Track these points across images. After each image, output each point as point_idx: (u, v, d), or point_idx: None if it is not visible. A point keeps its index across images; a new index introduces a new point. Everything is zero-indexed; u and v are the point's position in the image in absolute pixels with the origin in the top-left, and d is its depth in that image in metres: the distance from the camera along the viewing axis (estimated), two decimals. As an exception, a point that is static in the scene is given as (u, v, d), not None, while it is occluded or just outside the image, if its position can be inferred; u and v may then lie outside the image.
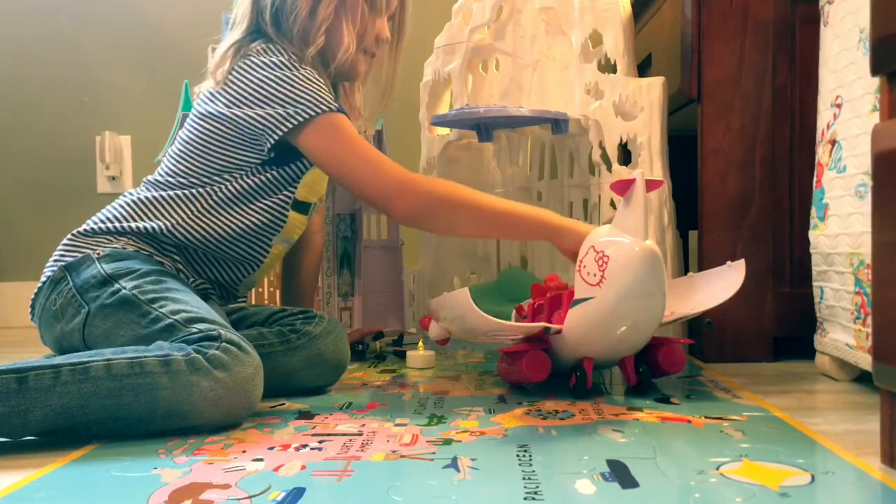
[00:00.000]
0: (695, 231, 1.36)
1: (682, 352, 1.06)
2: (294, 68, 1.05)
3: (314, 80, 1.06)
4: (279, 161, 1.09)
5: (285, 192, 1.12)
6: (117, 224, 1.07)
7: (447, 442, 0.80)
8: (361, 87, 1.26)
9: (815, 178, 1.16)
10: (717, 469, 0.70)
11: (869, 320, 0.99)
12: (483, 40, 1.62)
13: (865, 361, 1.01)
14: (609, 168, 1.40)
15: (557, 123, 1.43)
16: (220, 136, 1.08)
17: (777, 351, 1.30)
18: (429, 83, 1.67)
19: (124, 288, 0.97)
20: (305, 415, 0.94)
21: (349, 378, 1.18)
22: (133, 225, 1.06)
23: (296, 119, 1.03)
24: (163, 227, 1.06)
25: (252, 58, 1.07)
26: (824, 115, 1.14)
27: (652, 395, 1.02)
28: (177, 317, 0.92)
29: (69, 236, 1.08)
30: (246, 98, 1.05)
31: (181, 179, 1.09)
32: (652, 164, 1.32)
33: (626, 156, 1.42)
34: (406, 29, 1.25)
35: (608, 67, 1.42)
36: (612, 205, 1.40)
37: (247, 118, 1.05)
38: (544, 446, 0.79)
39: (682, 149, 1.38)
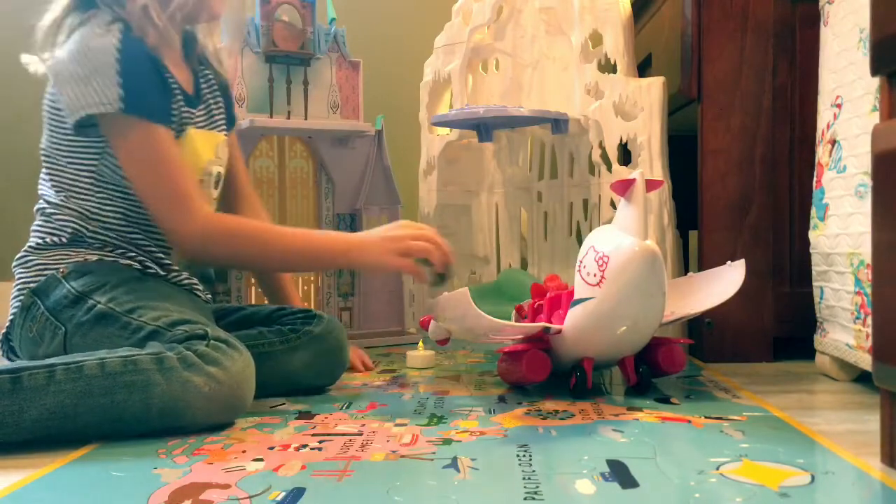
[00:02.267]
0: (695, 231, 1.35)
1: (682, 352, 1.06)
2: (114, 51, 0.95)
3: (135, 70, 0.96)
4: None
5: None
6: (57, 236, 1.02)
7: (447, 442, 0.80)
8: (217, 29, 1.17)
9: (815, 178, 1.16)
10: (717, 469, 0.70)
11: (869, 320, 0.99)
12: (483, 40, 1.62)
13: (865, 361, 1.01)
14: (609, 168, 1.40)
15: (557, 123, 1.43)
16: (56, 116, 1.01)
17: (777, 351, 1.30)
18: (429, 83, 1.67)
19: (99, 302, 0.95)
20: (305, 415, 0.94)
21: (349, 378, 1.18)
22: (69, 232, 1.02)
23: (89, 109, 0.95)
24: (79, 229, 1.02)
25: (78, 32, 0.98)
26: (824, 115, 1.14)
27: (652, 395, 1.02)
28: (158, 322, 0.91)
29: (23, 254, 1.03)
30: (59, 70, 0.98)
31: (54, 178, 1.03)
32: (652, 164, 1.32)
33: (626, 156, 1.42)
34: None
35: (608, 67, 1.42)
36: (612, 205, 1.40)
37: (59, 93, 0.98)
38: (544, 446, 0.79)
39: (682, 149, 1.38)
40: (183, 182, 1.00)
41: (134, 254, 1.04)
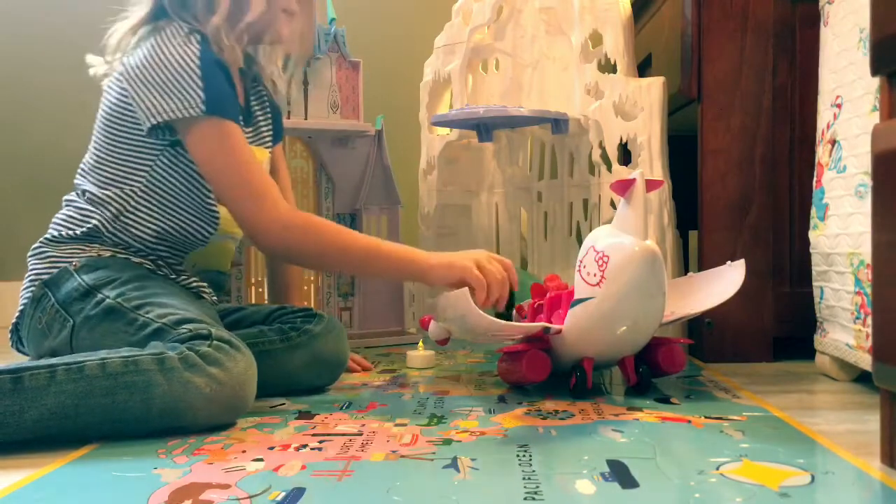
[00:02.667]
0: (695, 231, 1.35)
1: (682, 352, 1.06)
2: (187, 60, 0.99)
3: (194, 75, 0.98)
4: (181, 143, 1.04)
5: (202, 182, 1.06)
6: (77, 230, 1.04)
7: (447, 442, 0.80)
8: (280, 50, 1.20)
9: (815, 178, 1.16)
10: (717, 469, 0.70)
11: (869, 320, 0.99)
12: (483, 40, 1.62)
13: (865, 361, 1.01)
14: (609, 168, 1.40)
15: (557, 123, 1.43)
16: (117, 113, 1.04)
17: (777, 351, 1.30)
18: (429, 83, 1.67)
19: (108, 297, 0.96)
20: (305, 415, 0.94)
21: (349, 378, 1.18)
22: (88, 228, 1.04)
23: (171, 114, 0.98)
24: (109, 227, 1.04)
25: (153, 38, 1.01)
26: (824, 115, 1.14)
27: (652, 395, 1.02)
28: (164, 320, 0.92)
29: (37, 246, 1.05)
30: (134, 74, 1.00)
31: (104, 172, 1.05)
32: (652, 164, 1.32)
33: (626, 156, 1.42)
34: None
35: (608, 67, 1.42)
36: (612, 205, 1.40)
37: (132, 95, 1.00)
38: (544, 446, 0.79)
39: (682, 149, 1.38)
40: (262, 176, 1.03)
41: (146, 253, 1.06)
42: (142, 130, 1.02)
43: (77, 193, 1.08)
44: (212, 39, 1.03)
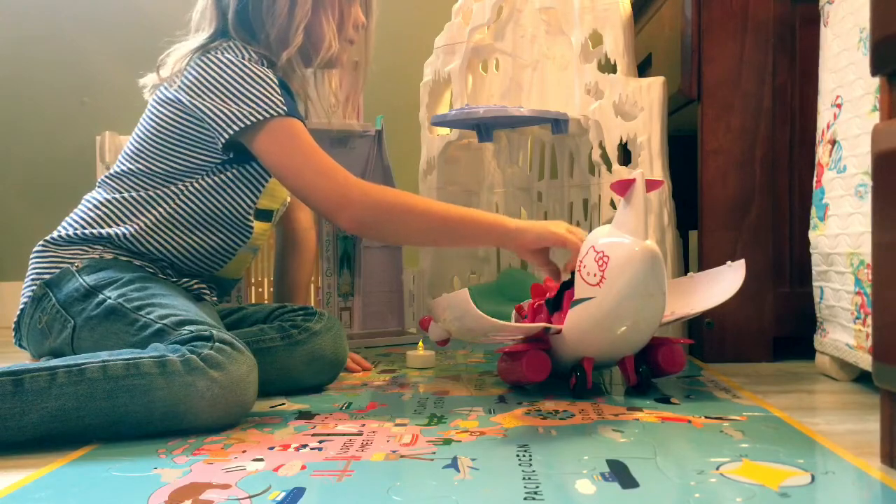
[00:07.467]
0: (695, 231, 1.36)
1: (682, 352, 1.06)
2: (253, 68, 1.03)
3: (271, 81, 1.03)
4: (237, 160, 1.07)
5: (247, 200, 1.09)
6: (87, 230, 1.05)
7: (447, 442, 0.80)
8: (338, 73, 1.26)
9: (815, 178, 1.16)
10: (717, 469, 0.70)
11: (869, 320, 0.99)
12: (483, 40, 1.62)
13: (865, 361, 1.01)
14: (609, 168, 1.40)
15: (557, 123, 1.43)
16: (177, 130, 1.05)
17: (777, 351, 1.30)
18: (429, 83, 1.67)
19: (109, 298, 0.96)
20: (305, 415, 0.94)
21: (349, 378, 1.18)
22: (101, 231, 1.04)
23: (249, 119, 1.00)
24: (127, 232, 1.04)
25: (213, 53, 1.04)
26: (824, 115, 1.14)
27: (652, 395, 1.02)
28: (165, 321, 0.92)
29: (40, 245, 1.06)
30: (203, 88, 1.02)
31: (139, 180, 1.07)
32: (652, 164, 1.32)
33: (626, 156, 1.42)
34: (375, 8, 1.24)
35: (608, 67, 1.42)
36: (612, 205, 1.40)
37: (203, 109, 1.02)
38: (544, 446, 0.79)
39: (682, 149, 1.38)
40: (332, 160, 1.04)
41: (156, 259, 1.07)
42: (199, 144, 1.05)
43: (101, 195, 1.08)
44: (280, 68, 1.08)
